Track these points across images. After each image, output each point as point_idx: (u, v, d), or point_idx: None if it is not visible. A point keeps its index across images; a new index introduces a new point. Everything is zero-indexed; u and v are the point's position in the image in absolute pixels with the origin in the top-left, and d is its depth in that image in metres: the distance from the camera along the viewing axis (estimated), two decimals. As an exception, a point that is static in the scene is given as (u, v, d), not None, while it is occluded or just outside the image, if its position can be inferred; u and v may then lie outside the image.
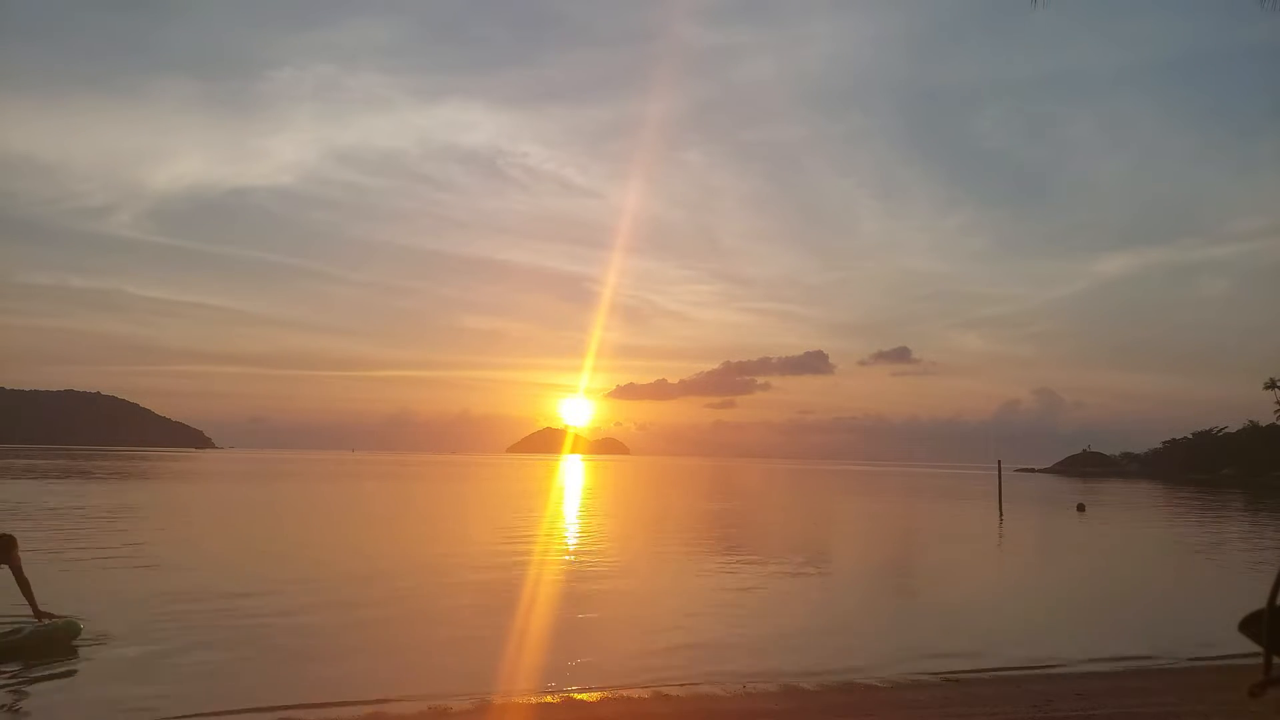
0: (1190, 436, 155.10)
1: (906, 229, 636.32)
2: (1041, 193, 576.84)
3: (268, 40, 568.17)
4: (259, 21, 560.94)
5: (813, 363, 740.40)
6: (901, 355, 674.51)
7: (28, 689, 9.80)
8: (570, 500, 54.85)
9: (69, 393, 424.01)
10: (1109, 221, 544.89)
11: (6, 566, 11.68)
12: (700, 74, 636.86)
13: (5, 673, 10.27)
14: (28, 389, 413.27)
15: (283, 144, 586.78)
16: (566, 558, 23.68)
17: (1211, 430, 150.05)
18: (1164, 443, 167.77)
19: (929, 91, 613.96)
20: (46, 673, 10.42)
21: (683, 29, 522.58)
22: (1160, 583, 22.15)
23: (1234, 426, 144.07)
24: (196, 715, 8.93)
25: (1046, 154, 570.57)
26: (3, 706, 9.14)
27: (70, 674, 10.50)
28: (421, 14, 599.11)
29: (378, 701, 9.37)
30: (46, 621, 11.67)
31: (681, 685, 10.22)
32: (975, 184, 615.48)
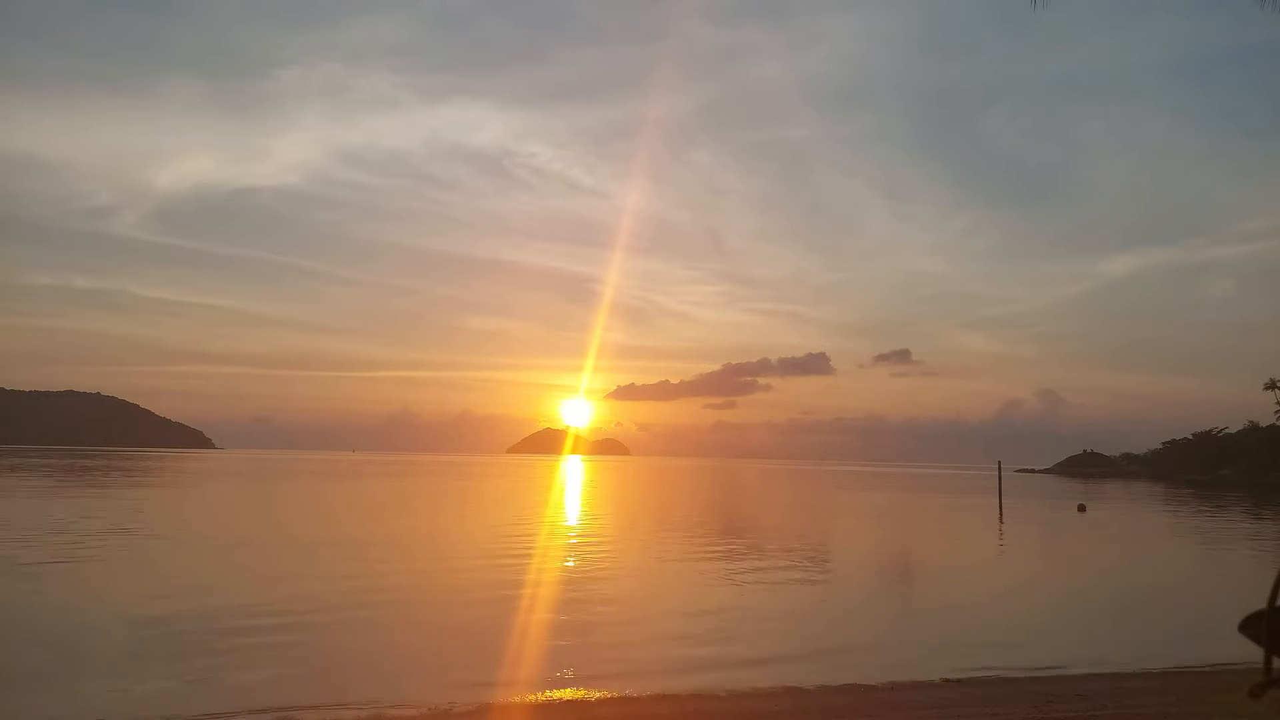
0: (1190, 437, 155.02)
1: (912, 230, 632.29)
2: (1047, 193, 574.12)
3: (274, 39, 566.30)
4: (266, 20, 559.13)
5: (814, 364, 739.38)
6: (902, 357, 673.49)
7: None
8: (570, 501, 54.87)
9: (69, 393, 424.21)
10: (1115, 222, 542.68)
11: None
12: (709, 73, 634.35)
13: None
14: (28, 389, 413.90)
15: (289, 144, 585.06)
16: (566, 558, 23.68)
17: (1211, 431, 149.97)
18: (1164, 443, 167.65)
19: (937, 91, 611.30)
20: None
21: (692, 28, 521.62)
22: (1160, 583, 22.14)
23: (1234, 427, 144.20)
24: (197, 716, 8.94)
25: (1053, 154, 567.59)
26: None
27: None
28: (429, 13, 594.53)
29: (378, 702, 9.38)
30: None
31: (681, 685, 10.23)
32: (982, 184, 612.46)
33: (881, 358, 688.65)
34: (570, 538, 30.12)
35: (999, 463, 53.50)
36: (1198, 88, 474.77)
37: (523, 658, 11.84)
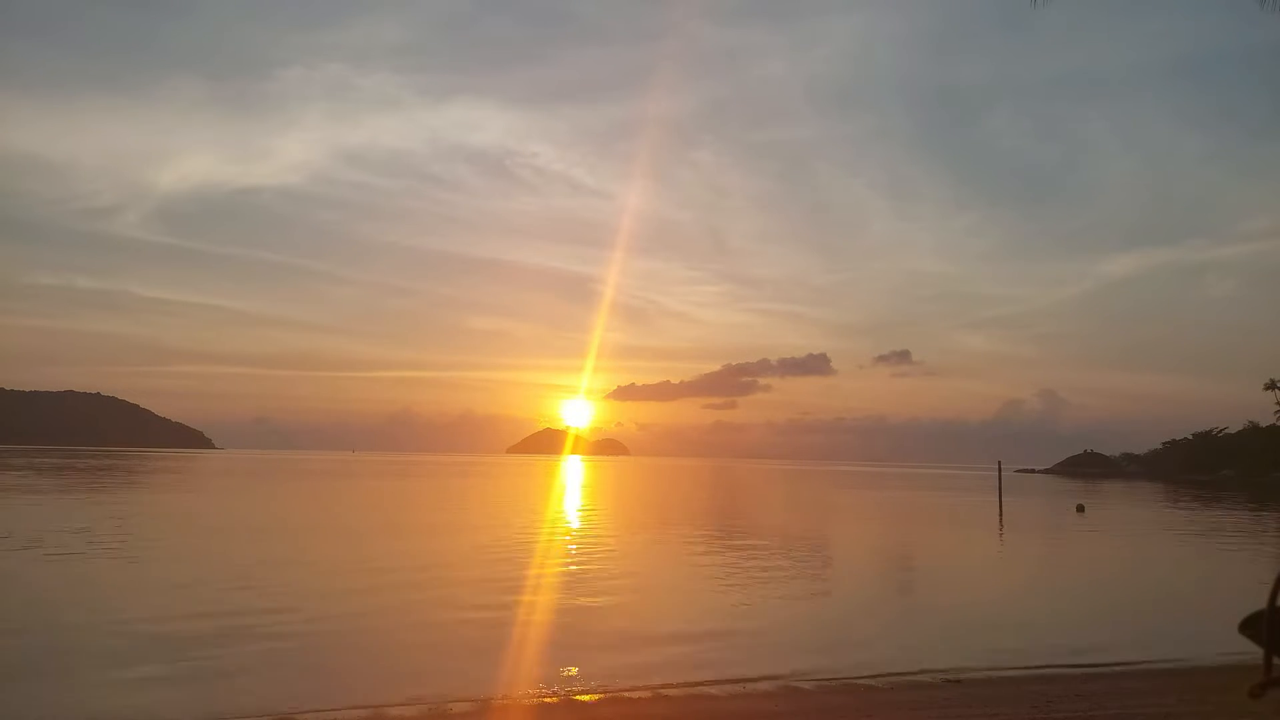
0: (1190, 437, 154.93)
1: (914, 230, 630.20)
2: (1048, 193, 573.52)
3: (276, 39, 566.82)
4: (267, 20, 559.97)
5: (814, 364, 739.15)
6: (903, 357, 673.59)
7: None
8: (569, 501, 54.86)
9: (69, 393, 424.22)
10: (1115, 222, 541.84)
11: None
12: (711, 74, 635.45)
13: None
14: (28, 389, 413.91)
15: (290, 144, 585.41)
16: (565, 558, 23.67)
17: (1211, 431, 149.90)
18: (1164, 443, 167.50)
19: (938, 92, 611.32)
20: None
21: (694, 28, 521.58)
22: (1159, 583, 22.13)
23: (1234, 427, 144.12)
24: (196, 717, 8.93)
25: (1054, 154, 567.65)
26: None
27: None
28: (431, 13, 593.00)
29: (378, 703, 9.38)
30: None
31: (680, 686, 10.22)
32: (984, 184, 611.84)
33: (882, 358, 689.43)
34: (569, 538, 30.10)
35: (999, 463, 53.46)
36: (1198, 88, 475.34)
37: (522, 658, 11.83)
